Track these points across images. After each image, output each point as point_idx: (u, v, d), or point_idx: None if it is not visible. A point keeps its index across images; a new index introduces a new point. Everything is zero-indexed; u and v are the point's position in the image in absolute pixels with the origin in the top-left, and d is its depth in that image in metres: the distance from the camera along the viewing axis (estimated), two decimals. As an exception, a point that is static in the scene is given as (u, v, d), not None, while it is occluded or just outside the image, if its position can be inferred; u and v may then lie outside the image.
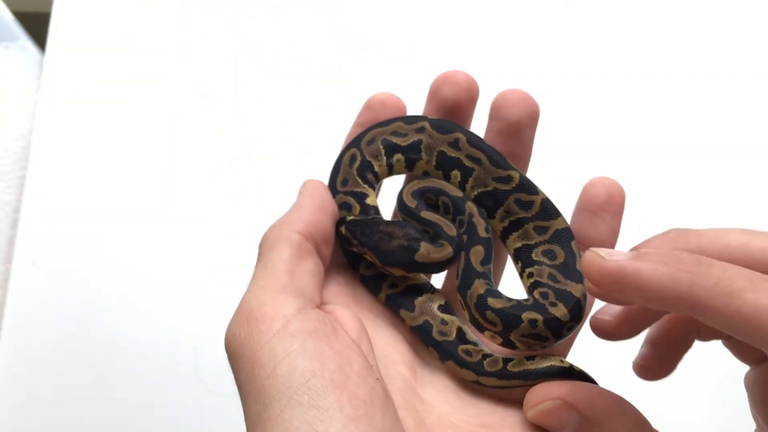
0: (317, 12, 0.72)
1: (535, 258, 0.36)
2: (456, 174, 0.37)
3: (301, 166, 0.67)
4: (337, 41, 0.72)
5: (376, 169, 0.38)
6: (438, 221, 0.36)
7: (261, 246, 0.35)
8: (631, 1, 0.72)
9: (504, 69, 0.70)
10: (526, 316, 0.34)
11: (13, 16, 0.73)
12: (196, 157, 0.68)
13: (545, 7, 0.72)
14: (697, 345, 0.36)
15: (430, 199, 0.37)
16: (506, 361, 0.35)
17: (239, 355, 0.31)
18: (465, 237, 0.36)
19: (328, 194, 0.36)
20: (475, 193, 0.37)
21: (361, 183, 0.37)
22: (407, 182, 0.40)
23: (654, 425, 0.33)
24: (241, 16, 0.73)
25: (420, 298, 0.37)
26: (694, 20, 0.71)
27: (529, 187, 0.37)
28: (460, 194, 0.37)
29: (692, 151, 0.67)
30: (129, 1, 0.73)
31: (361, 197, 0.37)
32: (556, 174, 0.66)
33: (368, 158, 0.38)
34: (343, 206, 0.37)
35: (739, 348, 0.35)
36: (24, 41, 0.72)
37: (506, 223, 0.37)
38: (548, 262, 0.36)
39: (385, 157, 0.38)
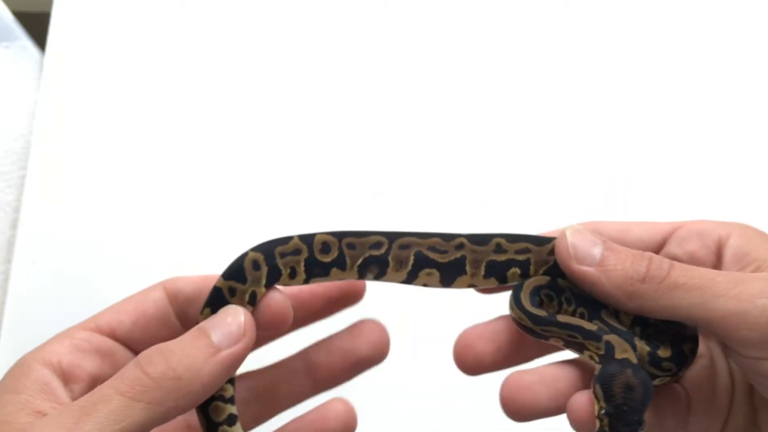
0: (317, 12, 0.72)
1: None
2: (515, 271, 0.38)
3: (302, 167, 0.68)
4: (337, 41, 0.72)
5: None
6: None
7: None
8: (631, 1, 0.72)
9: (504, 69, 0.70)
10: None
11: (13, 16, 0.73)
12: (196, 156, 0.68)
13: (545, 7, 0.72)
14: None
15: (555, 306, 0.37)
16: None
17: None
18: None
19: None
20: (541, 272, 0.37)
21: None
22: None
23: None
24: (242, 16, 0.72)
25: None
26: (695, 20, 0.71)
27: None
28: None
29: (692, 151, 0.67)
30: (129, 1, 0.73)
31: None
32: (553, 173, 0.67)
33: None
34: None
35: None
36: (24, 41, 0.72)
37: None
38: None
39: None
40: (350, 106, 0.69)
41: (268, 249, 0.35)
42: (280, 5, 0.73)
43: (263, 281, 0.35)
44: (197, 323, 0.34)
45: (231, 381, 0.35)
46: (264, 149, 0.68)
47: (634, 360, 0.34)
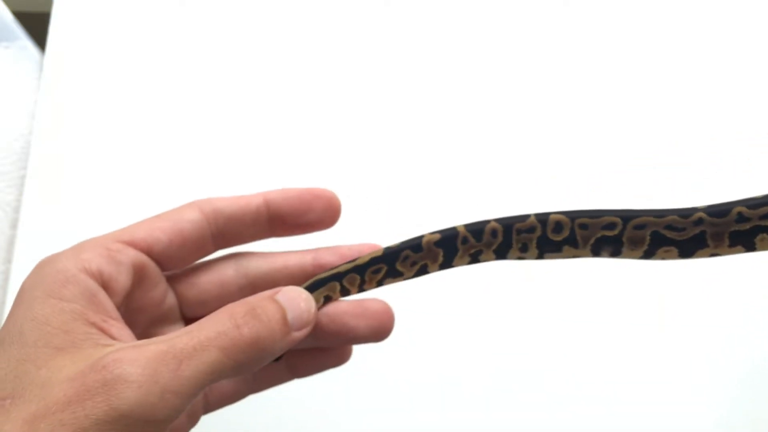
0: (318, 13, 0.72)
1: None
2: (763, 237, 0.36)
3: (302, 168, 0.68)
4: (338, 41, 0.72)
5: None
6: None
7: None
8: (632, 1, 0.72)
9: (503, 69, 0.70)
10: None
11: (13, 16, 0.73)
12: (196, 156, 0.68)
13: (545, 7, 0.72)
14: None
15: None
16: None
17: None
18: None
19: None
20: None
21: None
22: None
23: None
24: (241, 16, 0.73)
25: None
26: (696, 20, 0.71)
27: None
28: None
29: (693, 151, 0.67)
30: (129, 1, 0.73)
31: None
32: (553, 173, 0.67)
33: None
34: None
35: None
36: (24, 41, 0.72)
37: None
38: None
39: None
40: (351, 107, 0.69)
41: (508, 222, 0.38)
42: (280, 6, 0.73)
43: (493, 248, 0.38)
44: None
45: None
46: (264, 149, 0.68)
47: None
